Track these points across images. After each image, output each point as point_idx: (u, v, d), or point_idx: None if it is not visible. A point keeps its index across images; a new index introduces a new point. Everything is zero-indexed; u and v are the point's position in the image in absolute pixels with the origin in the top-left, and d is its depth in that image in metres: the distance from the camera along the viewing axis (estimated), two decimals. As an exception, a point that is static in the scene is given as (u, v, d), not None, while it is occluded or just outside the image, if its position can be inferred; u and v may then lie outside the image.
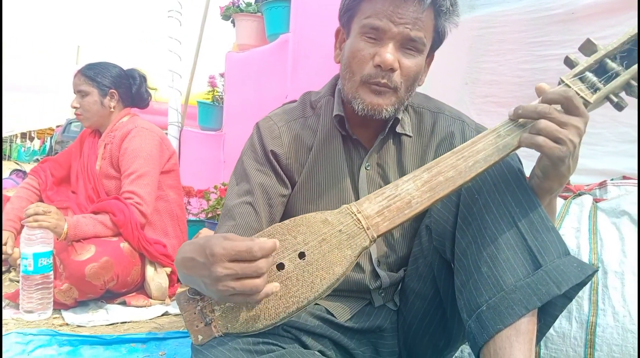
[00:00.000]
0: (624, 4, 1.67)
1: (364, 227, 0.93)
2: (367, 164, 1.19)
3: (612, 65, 0.93)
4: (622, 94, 0.95)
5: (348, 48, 1.10)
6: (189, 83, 4.24)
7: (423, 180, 0.94)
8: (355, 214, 0.94)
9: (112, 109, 2.36)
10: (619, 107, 0.94)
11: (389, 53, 1.04)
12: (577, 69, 0.94)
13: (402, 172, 1.20)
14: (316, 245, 0.93)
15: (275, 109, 1.30)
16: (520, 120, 0.92)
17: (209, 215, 2.81)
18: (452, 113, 1.25)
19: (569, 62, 0.96)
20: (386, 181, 1.18)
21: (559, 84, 0.94)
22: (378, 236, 0.93)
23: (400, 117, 1.16)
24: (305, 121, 1.22)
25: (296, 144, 1.20)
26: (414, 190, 0.94)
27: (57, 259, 1.97)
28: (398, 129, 1.19)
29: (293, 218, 0.95)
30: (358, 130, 1.19)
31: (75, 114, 2.36)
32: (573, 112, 0.86)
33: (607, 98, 0.93)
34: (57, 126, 13.92)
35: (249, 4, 3.43)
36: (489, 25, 2.10)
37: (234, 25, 3.58)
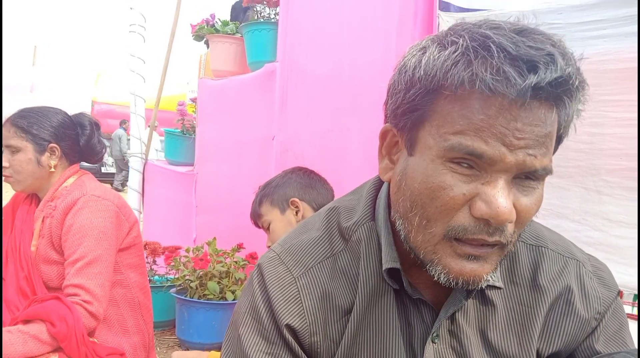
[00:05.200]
0: None
1: None
2: (434, 334, 0.75)
3: None
4: None
5: (419, 177, 0.65)
6: (154, 109, 3.68)
7: None
8: None
9: (52, 169, 1.81)
10: None
11: (502, 198, 0.61)
12: None
13: (489, 348, 0.76)
14: None
15: (288, 236, 0.82)
16: None
17: (179, 286, 2.29)
18: (557, 244, 0.82)
19: None
20: None
21: None
22: None
23: None
24: (336, 262, 0.77)
25: (326, 309, 0.76)
26: None
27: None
28: None
29: None
30: (417, 280, 0.76)
31: (4, 175, 1.81)
32: None
33: None
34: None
35: (225, 23, 2.90)
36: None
37: (207, 47, 3.05)
